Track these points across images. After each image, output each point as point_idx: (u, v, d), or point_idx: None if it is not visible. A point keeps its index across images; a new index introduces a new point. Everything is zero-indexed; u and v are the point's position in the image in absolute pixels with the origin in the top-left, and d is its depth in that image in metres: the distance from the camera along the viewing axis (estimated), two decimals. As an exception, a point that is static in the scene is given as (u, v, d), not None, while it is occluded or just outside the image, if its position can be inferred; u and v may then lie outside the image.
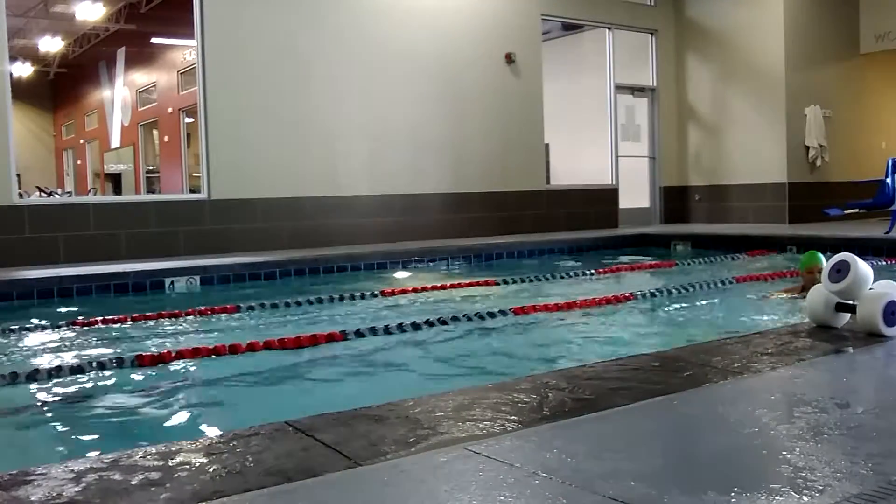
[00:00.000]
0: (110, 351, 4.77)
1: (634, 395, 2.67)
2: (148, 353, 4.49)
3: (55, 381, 4.10)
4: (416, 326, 5.25)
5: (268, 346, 4.72)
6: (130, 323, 5.76)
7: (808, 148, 12.79)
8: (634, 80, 13.80)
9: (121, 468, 2.06)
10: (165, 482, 1.95)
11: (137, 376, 4.20)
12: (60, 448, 3.16)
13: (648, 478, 1.91)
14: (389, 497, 1.84)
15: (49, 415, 3.69)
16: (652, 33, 13.81)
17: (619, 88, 13.57)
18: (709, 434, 2.32)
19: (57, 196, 16.26)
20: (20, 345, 5.18)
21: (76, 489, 1.92)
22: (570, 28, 14.32)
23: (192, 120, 15.07)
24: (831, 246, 8.44)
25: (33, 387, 4.01)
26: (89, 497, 1.87)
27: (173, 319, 5.92)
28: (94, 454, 2.42)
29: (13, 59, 11.29)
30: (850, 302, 3.63)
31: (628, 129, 13.75)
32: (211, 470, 2.03)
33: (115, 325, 5.69)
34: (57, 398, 3.88)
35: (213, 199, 9.56)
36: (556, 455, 2.08)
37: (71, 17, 16.80)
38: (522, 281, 7.69)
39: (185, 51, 15.14)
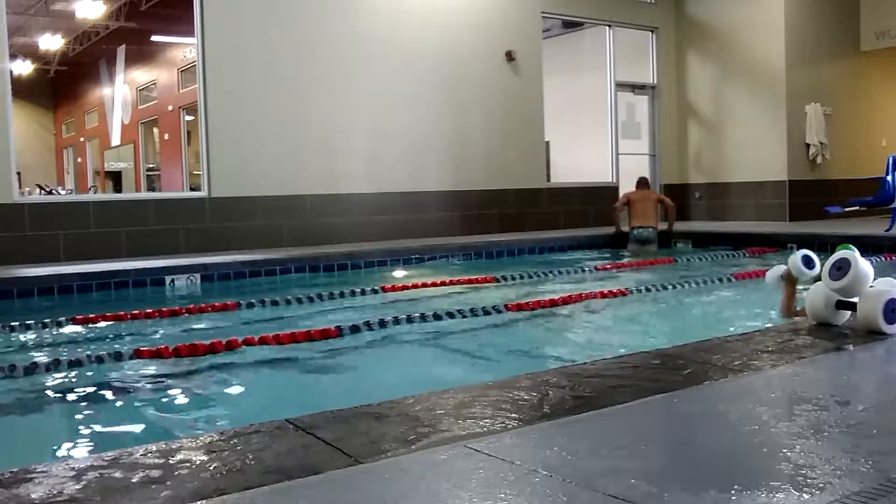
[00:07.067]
0: (110, 348, 4.77)
1: (635, 393, 2.67)
2: (146, 349, 4.50)
3: (55, 378, 4.11)
4: (415, 323, 5.26)
5: (263, 341, 4.73)
6: (130, 320, 5.77)
7: (808, 146, 12.78)
8: (635, 77, 13.79)
9: (121, 466, 2.06)
10: (166, 480, 1.96)
11: (137, 373, 4.20)
12: (61, 445, 3.16)
13: (649, 475, 1.91)
14: (390, 495, 1.84)
15: (49, 412, 3.69)
16: (652, 31, 13.80)
17: (620, 86, 13.56)
18: (709, 432, 2.32)
19: (57, 194, 16.25)
20: (21, 342, 5.18)
21: (77, 487, 1.92)
22: (570, 25, 14.31)
23: (192, 118, 15.06)
24: (831, 244, 8.44)
25: (33, 384, 4.02)
26: (90, 495, 1.87)
27: (173, 317, 5.92)
28: (94, 452, 2.43)
29: (13, 56, 11.29)
30: (851, 300, 3.62)
31: (629, 126, 13.74)
32: (211, 468, 2.03)
33: (115, 323, 5.69)
34: (57, 396, 3.88)
35: (214, 196, 9.56)
36: (557, 453, 2.08)
37: (71, 14, 16.78)
38: (522, 278, 7.70)
39: (185, 49, 15.12)
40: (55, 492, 1.89)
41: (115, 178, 20.36)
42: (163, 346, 4.57)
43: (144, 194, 15.34)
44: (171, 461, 2.09)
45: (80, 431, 3.35)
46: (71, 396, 3.87)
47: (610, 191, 13.12)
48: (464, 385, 2.87)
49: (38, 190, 15.43)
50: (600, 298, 6.24)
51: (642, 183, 11.25)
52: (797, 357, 3.17)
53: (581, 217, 12.53)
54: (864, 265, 3.58)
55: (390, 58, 10.77)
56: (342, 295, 6.76)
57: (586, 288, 6.88)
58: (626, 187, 13.25)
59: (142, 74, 18.33)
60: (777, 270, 4.91)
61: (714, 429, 2.34)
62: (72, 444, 3.18)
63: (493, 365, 4.44)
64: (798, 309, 5.68)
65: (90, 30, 18.09)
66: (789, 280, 4.82)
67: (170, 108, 16.74)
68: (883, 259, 7.91)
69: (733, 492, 1.78)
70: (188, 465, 2.06)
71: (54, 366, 4.23)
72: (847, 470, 1.90)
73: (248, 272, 8.07)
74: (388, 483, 1.91)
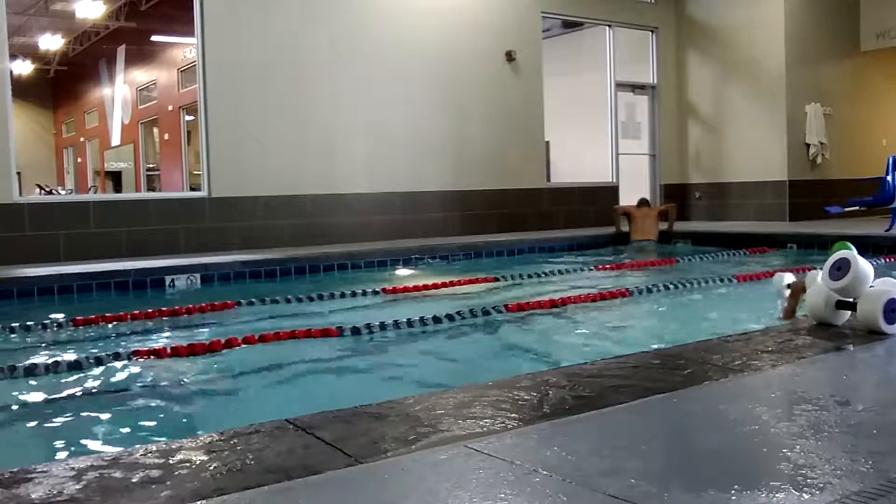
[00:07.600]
0: (109, 348, 4.77)
1: (635, 393, 2.67)
2: (145, 349, 4.50)
3: (54, 378, 4.11)
4: (414, 324, 5.25)
5: (263, 340, 4.74)
6: (130, 320, 5.77)
7: (808, 145, 12.78)
8: (635, 77, 13.79)
9: (121, 466, 2.06)
10: (166, 480, 1.96)
11: (136, 373, 4.20)
12: (61, 445, 3.16)
13: (649, 475, 1.91)
14: (390, 495, 1.84)
15: (49, 413, 3.68)
16: (652, 31, 13.80)
17: (620, 86, 13.56)
18: (709, 432, 2.32)
19: (57, 194, 16.25)
20: (20, 342, 5.18)
21: (77, 487, 1.92)
22: (570, 25, 14.31)
23: (192, 118, 15.06)
24: (831, 244, 8.43)
25: (32, 384, 4.02)
26: (90, 495, 1.87)
27: (172, 317, 5.92)
28: (94, 452, 2.43)
29: (13, 56, 11.28)
30: (851, 300, 3.62)
31: (629, 126, 13.74)
32: (211, 468, 2.03)
33: (115, 323, 5.69)
34: (57, 396, 3.88)
35: (214, 196, 9.56)
36: (557, 453, 2.08)
37: (71, 14, 16.79)
38: (522, 278, 7.69)
39: (185, 48, 15.13)
40: (55, 492, 1.89)
41: (115, 178, 20.37)
42: (161, 346, 4.58)
43: (144, 194, 15.35)
44: (171, 461, 2.09)
45: (80, 431, 3.34)
46: (71, 397, 3.86)
47: (610, 191, 13.14)
48: (464, 385, 2.87)
49: (38, 190, 15.44)
50: (600, 299, 6.24)
51: (643, 203, 11.42)
52: (797, 357, 3.17)
53: (581, 217, 12.53)
54: (864, 265, 3.58)
55: (390, 58, 10.77)
56: (342, 295, 6.76)
57: (586, 288, 6.88)
58: (626, 187, 13.29)
59: (142, 74, 18.34)
60: (783, 278, 4.85)
61: (714, 429, 2.34)
62: (72, 444, 3.18)
63: (493, 365, 4.44)
64: (799, 317, 5.61)
65: (90, 30, 18.10)
66: (794, 293, 4.72)
67: (170, 108, 16.75)
68: (883, 261, 7.90)
69: (733, 492, 1.78)
70: (188, 465, 2.06)
71: (54, 367, 4.23)
72: (847, 470, 1.90)
73: (248, 272, 8.07)
74: (388, 483, 1.91)
